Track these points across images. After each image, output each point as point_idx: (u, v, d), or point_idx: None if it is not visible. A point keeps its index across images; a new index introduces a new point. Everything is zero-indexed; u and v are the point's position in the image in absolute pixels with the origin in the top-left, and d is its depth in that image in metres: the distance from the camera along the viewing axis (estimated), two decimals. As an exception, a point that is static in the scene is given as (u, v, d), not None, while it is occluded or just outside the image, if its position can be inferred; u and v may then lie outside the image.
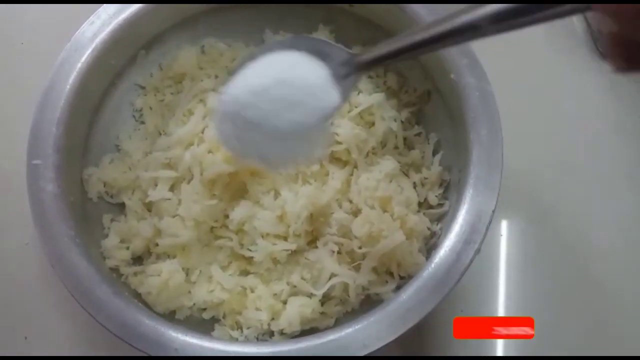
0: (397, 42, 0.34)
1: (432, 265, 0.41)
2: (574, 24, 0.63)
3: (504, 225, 0.57)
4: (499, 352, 0.52)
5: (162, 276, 0.46)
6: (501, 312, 0.53)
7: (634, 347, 0.52)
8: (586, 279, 0.55)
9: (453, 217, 0.44)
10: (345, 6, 0.53)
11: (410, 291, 0.41)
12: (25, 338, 0.52)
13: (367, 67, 0.38)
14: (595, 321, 0.53)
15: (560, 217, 0.57)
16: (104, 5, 0.48)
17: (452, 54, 0.47)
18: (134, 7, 0.49)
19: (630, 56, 0.26)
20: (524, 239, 0.56)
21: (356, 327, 0.40)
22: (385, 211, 0.48)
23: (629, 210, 0.57)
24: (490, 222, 0.42)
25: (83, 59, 0.47)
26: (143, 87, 0.54)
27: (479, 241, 0.41)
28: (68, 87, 0.46)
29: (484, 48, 0.47)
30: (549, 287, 0.54)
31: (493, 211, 0.42)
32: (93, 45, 0.47)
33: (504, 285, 0.54)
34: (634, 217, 0.57)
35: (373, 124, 0.52)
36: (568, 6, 0.26)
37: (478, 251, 0.41)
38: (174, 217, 0.48)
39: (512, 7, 0.27)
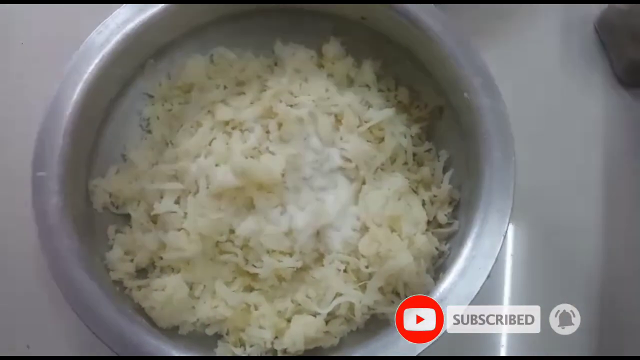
0: None
1: (441, 291, 0.41)
2: (591, 49, 0.63)
3: (511, 243, 0.56)
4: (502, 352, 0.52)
5: (166, 291, 0.45)
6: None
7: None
8: (597, 299, 0.54)
9: (462, 239, 0.43)
10: (357, 19, 0.52)
11: (417, 316, 0.40)
12: (28, 347, 0.51)
13: None
14: (604, 342, 0.53)
15: (570, 235, 0.56)
16: (113, 14, 0.48)
17: (466, 72, 0.46)
18: (143, 17, 0.48)
19: None
20: (531, 257, 0.56)
21: (363, 353, 0.39)
22: (393, 230, 0.47)
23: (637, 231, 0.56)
24: (500, 248, 0.41)
25: (90, 69, 0.46)
26: (151, 96, 0.53)
27: (489, 267, 0.41)
28: (75, 97, 0.45)
29: (499, 70, 0.46)
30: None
31: (504, 236, 0.41)
32: (101, 55, 0.46)
33: (508, 301, 0.54)
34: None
35: (382, 139, 0.51)
36: None
37: (488, 277, 0.41)
38: (179, 230, 0.47)
39: None
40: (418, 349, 0.39)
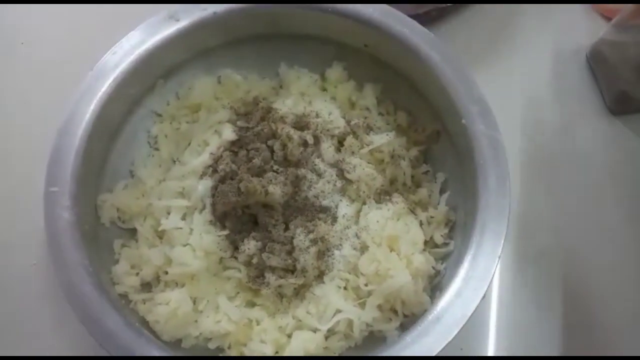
0: None
1: (438, 310, 0.42)
2: (583, 80, 0.65)
3: (500, 265, 0.58)
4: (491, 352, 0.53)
5: (171, 305, 0.46)
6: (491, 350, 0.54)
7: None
8: (580, 319, 0.56)
9: (459, 260, 0.45)
10: (359, 45, 0.55)
11: (414, 334, 0.42)
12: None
13: None
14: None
15: (557, 258, 0.58)
16: (127, 35, 0.50)
17: (464, 100, 0.48)
18: (156, 39, 0.50)
19: None
20: (520, 279, 0.57)
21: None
22: (392, 250, 0.49)
23: (625, 253, 0.58)
24: (495, 270, 0.43)
25: (104, 88, 0.48)
26: (160, 115, 0.55)
27: (484, 288, 0.42)
28: (88, 116, 0.47)
29: (492, 99, 0.49)
30: (545, 327, 0.55)
31: (499, 258, 0.43)
32: (114, 75, 0.48)
33: (495, 323, 0.55)
34: (630, 260, 0.58)
35: (383, 161, 0.53)
36: None
37: (483, 297, 0.42)
38: (184, 246, 0.49)
39: None
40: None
